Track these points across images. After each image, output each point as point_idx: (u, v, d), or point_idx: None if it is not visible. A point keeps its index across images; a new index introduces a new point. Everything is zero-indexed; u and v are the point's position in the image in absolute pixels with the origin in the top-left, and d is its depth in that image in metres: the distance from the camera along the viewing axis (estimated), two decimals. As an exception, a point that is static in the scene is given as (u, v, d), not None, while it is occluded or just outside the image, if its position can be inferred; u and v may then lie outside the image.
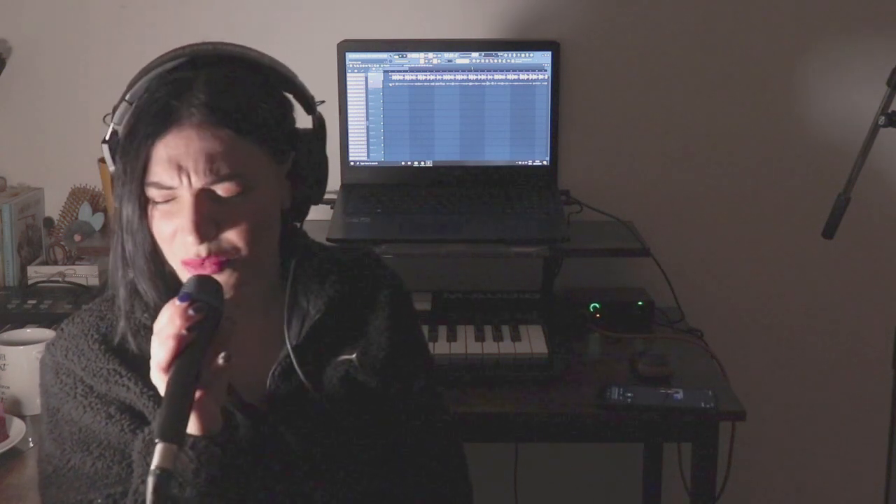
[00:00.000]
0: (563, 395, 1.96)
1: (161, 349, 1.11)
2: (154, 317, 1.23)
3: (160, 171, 1.18)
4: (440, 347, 2.04)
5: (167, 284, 1.24)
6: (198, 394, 1.11)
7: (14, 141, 2.53)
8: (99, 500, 1.23)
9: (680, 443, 2.38)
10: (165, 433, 1.04)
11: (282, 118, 1.27)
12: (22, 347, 1.89)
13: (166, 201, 1.20)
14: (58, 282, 2.35)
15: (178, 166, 1.18)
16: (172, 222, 1.20)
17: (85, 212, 2.45)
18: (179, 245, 1.20)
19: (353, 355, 1.32)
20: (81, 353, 1.28)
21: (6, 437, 1.77)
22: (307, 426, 1.28)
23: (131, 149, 1.19)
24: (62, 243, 2.43)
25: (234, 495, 1.18)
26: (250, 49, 1.27)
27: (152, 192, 1.19)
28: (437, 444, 1.41)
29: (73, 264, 2.38)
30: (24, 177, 2.55)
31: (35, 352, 1.87)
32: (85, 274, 2.36)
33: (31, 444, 1.79)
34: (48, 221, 2.52)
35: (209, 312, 1.13)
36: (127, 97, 1.23)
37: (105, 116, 1.27)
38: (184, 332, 1.11)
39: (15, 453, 1.76)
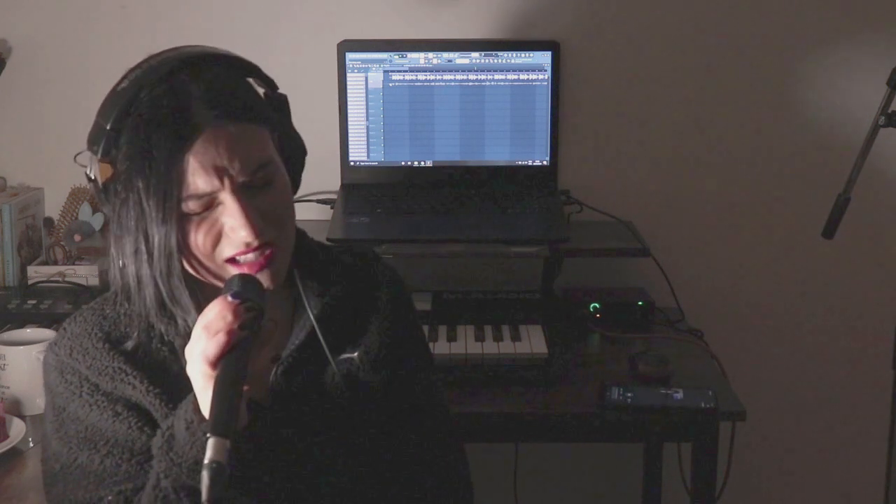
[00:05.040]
0: (563, 395, 1.96)
1: (210, 343, 1.12)
2: (177, 327, 1.24)
3: (197, 180, 1.16)
4: (440, 347, 2.04)
5: (198, 300, 1.23)
6: (245, 389, 1.12)
7: (14, 141, 2.53)
8: (109, 498, 1.23)
9: (680, 443, 2.38)
10: (218, 427, 1.05)
11: (261, 100, 1.28)
12: (22, 347, 1.89)
13: (204, 210, 1.18)
14: (58, 282, 2.35)
15: (215, 168, 1.16)
16: (213, 228, 1.19)
17: (85, 212, 2.45)
18: (226, 245, 1.20)
19: (355, 354, 1.33)
20: (86, 351, 1.28)
21: (6, 437, 1.77)
22: (309, 424, 1.28)
23: (153, 171, 1.16)
24: (62, 243, 2.43)
25: (250, 490, 1.19)
26: (206, 46, 1.26)
27: (191, 205, 1.18)
28: (438, 442, 1.41)
29: (73, 264, 2.39)
30: (24, 177, 2.55)
31: (35, 352, 1.87)
32: (85, 274, 2.36)
33: (31, 444, 1.79)
34: (48, 221, 2.52)
35: (257, 312, 1.15)
36: (108, 126, 1.18)
37: (76, 155, 1.24)
38: (236, 328, 1.12)
39: (15, 453, 1.76)
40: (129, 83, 1.20)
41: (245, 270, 1.20)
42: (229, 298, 1.14)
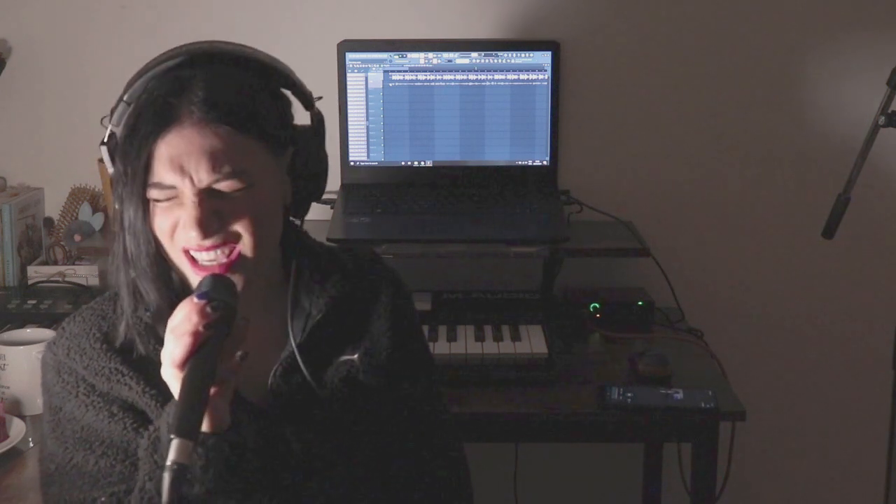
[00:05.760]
0: (563, 395, 1.96)
1: (177, 346, 1.11)
2: (156, 317, 1.23)
3: (162, 171, 1.18)
4: (440, 347, 2.04)
5: (169, 286, 1.24)
6: (212, 391, 1.11)
7: (14, 141, 2.53)
8: (102, 499, 1.23)
9: (680, 443, 2.38)
10: (181, 429, 1.05)
11: (280, 113, 1.28)
12: (22, 347, 1.89)
13: (168, 199, 1.20)
14: (58, 282, 2.35)
15: (180, 167, 1.18)
16: (172, 215, 1.20)
17: (85, 212, 2.45)
18: (181, 236, 1.20)
19: (355, 356, 1.32)
20: (83, 351, 1.28)
21: (6, 437, 1.77)
22: (308, 425, 1.28)
23: (132, 149, 1.19)
24: (62, 243, 2.43)
25: (238, 493, 1.19)
26: (247, 47, 1.28)
27: (154, 193, 1.20)
28: (438, 444, 1.41)
29: (73, 264, 2.39)
30: (24, 177, 2.55)
31: (35, 352, 1.87)
32: (85, 274, 2.36)
33: (31, 444, 1.79)
34: (48, 221, 2.52)
35: (226, 311, 1.14)
36: (125, 98, 1.23)
37: (103, 119, 1.27)
38: (201, 329, 1.11)
39: (15, 453, 1.76)
40: (153, 62, 1.23)
41: (200, 271, 1.20)
42: (195, 299, 1.14)
